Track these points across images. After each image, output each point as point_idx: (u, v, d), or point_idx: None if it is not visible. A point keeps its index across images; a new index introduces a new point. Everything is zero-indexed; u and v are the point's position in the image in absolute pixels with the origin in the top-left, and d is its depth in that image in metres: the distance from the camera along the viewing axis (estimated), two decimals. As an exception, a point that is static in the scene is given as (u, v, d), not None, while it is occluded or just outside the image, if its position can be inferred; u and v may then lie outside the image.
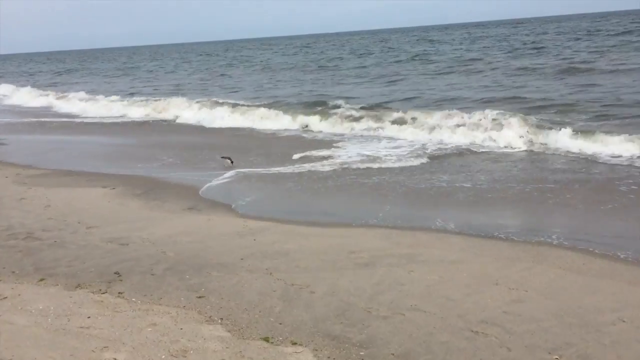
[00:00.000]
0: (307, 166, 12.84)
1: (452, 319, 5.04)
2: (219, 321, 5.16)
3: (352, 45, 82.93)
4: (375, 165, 12.57)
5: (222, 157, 13.67)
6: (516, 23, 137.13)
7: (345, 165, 12.69)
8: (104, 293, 5.87)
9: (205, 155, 14.88)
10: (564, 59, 32.49)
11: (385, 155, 13.66)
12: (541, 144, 13.73)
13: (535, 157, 12.82)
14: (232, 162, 13.29)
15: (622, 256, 6.69)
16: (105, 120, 24.53)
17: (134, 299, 5.70)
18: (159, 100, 27.51)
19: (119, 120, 24.71)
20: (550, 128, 14.55)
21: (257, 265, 6.61)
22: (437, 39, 79.15)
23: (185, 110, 23.95)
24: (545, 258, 6.61)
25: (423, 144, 14.88)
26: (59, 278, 6.36)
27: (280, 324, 5.08)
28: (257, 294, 5.74)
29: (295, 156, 13.94)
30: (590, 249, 6.96)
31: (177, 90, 34.55)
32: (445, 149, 14.18)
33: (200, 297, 5.71)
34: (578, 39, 50.07)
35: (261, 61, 60.50)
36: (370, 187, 10.74)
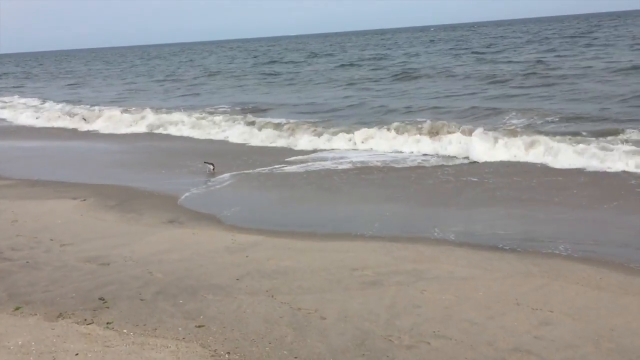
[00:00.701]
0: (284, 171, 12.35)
1: (482, 347, 4.62)
2: (226, 356, 4.63)
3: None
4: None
5: (205, 163, 13.10)
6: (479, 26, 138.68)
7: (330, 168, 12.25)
8: (90, 324, 5.28)
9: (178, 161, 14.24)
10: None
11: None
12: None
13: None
14: (213, 169, 12.75)
15: (635, 267, 6.42)
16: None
17: (125, 331, 5.13)
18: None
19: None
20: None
21: (256, 286, 6.10)
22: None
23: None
24: (559, 273, 6.27)
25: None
26: (36, 306, 5.74)
27: (296, 358, 4.59)
28: (263, 321, 5.23)
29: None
30: (598, 259, 6.69)
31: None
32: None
33: (199, 326, 5.18)
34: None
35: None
36: (359, 194, 10.33)
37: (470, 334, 4.86)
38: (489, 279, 6.10)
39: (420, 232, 8.10)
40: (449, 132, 14.62)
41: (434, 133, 14.94)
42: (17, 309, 5.68)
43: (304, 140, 16.09)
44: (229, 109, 23.83)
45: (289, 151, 15.32)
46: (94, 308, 5.64)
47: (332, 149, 15.18)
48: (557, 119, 16.14)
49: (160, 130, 20.43)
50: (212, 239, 7.97)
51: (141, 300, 5.82)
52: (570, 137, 13.12)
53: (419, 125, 15.61)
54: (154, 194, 11.05)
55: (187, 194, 10.98)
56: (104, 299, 5.85)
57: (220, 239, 7.99)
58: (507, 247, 7.24)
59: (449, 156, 13.31)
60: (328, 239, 7.88)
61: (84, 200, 10.54)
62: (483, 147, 12.92)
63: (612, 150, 11.46)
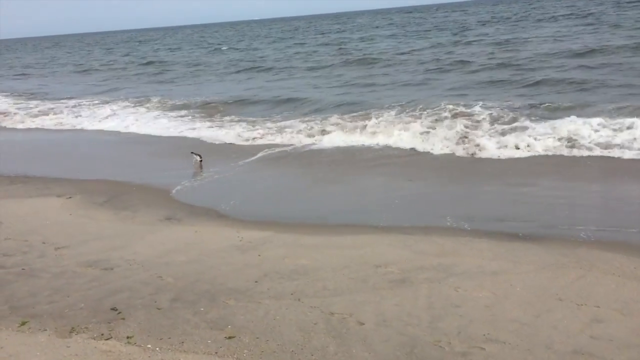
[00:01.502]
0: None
1: (540, 352, 4.35)
2: (269, 372, 4.28)
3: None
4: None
5: (192, 153, 12.59)
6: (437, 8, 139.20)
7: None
8: (108, 339, 4.86)
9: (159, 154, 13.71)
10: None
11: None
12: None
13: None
14: (201, 160, 12.27)
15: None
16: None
17: (149, 346, 4.72)
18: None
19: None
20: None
21: (278, 289, 5.74)
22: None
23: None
24: (591, 263, 6.03)
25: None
26: (44, 320, 5.28)
27: (345, 371, 4.26)
28: (297, 329, 4.88)
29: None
30: (623, 245, 6.52)
31: None
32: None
33: (230, 337, 4.80)
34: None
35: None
36: (356, 180, 10.01)
37: (523, 336, 4.58)
38: (521, 273, 5.84)
39: (432, 221, 7.82)
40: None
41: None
42: (23, 324, 5.21)
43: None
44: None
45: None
46: (108, 320, 5.21)
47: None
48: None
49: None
50: (217, 237, 7.56)
51: (158, 309, 5.40)
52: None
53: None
54: (143, 188, 10.55)
55: (178, 187, 10.52)
56: (116, 309, 5.42)
57: (226, 236, 7.58)
58: (528, 236, 7.00)
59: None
60: (339, 232, 7.54)
61: (70, 197, 9.99)
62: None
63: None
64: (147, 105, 22.00)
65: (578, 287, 5.43)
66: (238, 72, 32.54)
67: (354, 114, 15.93)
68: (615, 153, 10.30)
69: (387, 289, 5.60)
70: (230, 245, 7.19)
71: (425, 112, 14.84)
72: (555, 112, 13.88)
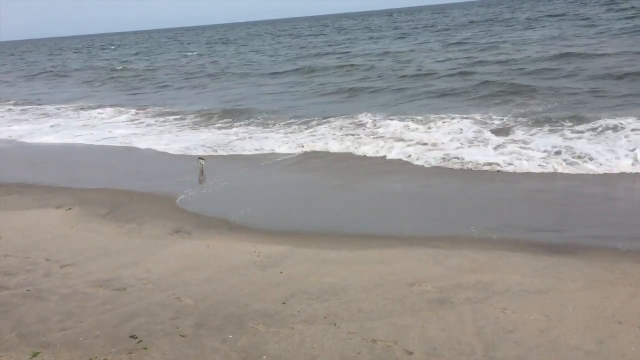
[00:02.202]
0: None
1: (615, 384, 3.97)
2: (317, 412, 3.85)
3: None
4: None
5: (200, 158, 12.19)
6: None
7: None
8: (132, 373, 4.41)
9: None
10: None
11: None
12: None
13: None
14: (203, 163, 11.88)
15: None
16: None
17: (178, 381, 4.28)
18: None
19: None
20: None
21: (309, 311, 5.32)
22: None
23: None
24: (637, 279, 5.68)
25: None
26: (58, 351, 4.83)
27: (404, 411, 3.84)
28: (340, 359, 4.46)
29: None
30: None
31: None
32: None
33: (267, 370, 4.37)
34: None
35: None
36: (366, 188, 9.61)
37: (591, 366, 4.20)
38: (568, 291, 5.46)
39: (457, 231, 7.47)
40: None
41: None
42: (35, 355, 4.76)
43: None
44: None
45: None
46: (128, 350, 4.77)
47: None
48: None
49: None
50: (232, 252, 7.12)
51: (182, 336, 4.97)
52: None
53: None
54: (145, 198, 10.10)
55: (182, 196, 10.07)
56: (136, 337, 4.98)
57: (241, 251, 7.15)
58: (564, 248, 6.64)
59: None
60: (363, 245, 7.13)
61: (70, 209, 9.50)
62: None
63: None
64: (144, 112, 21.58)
65: (635, 308, 5.06)
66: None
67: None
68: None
69: (427, 311, 5.20)
70: (248, 261, 6.76)
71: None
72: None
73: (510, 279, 5.80)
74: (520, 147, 11.24)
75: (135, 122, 19.58)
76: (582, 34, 31.93)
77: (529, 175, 9.88)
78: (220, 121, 18.21)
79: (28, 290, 6.14)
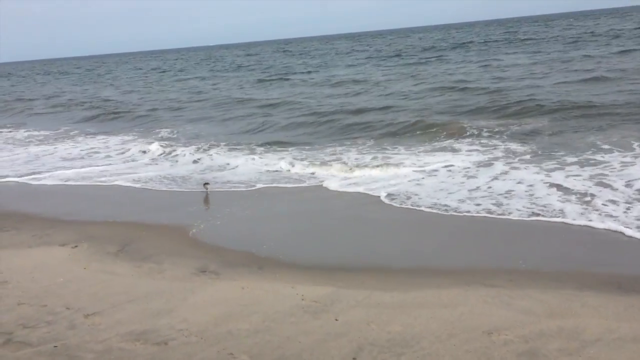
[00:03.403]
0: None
1: None
2: None
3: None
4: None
5: (205, 184, 11.70)
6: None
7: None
8: None
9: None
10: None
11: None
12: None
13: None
14: (209, 188, 11.40)
15: None
16: None
17: None
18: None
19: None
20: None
21: (387, 368, 4.75)
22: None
23: None
24: None
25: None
26: None
27: None
28: None
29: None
30: None
31: None
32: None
33: None
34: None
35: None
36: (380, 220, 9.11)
37: None
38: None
39: (508, 264, 7.05)
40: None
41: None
42: None
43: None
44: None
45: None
46: (195, 423, 4.13)
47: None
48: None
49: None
50: (272, 295, 6.53)
51: (251, 403, 4.35)
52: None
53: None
54: (155, 232, 9.48)
55: (194, 229, 9.46)
56: (198, 406, 4.34)
57: (281, 293, 6.56)
58: (636, 286, 6.22)
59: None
60: (413, 285, 6.62)
61: (76, 246, 8.80)
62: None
63: None
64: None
65: None
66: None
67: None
68: None
69: (521, 367, 4.68)
70: (294, 306, 6.17)
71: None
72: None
73: (595, 324, 5.32)
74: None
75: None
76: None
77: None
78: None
79: (55, 346, 5.45)
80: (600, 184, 9.96)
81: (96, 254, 8.44)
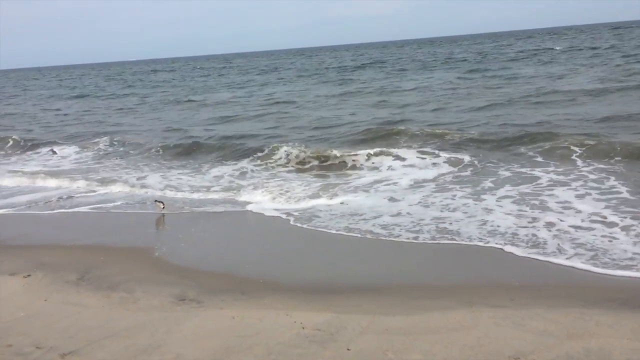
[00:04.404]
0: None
1: None
2: None
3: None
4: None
5: (156, 201, 11.00)
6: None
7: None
8: None
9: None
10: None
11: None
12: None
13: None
14: (163, 207, 10.73)
15: None
16: None
17: None
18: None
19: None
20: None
21: (422, 403, 4.39)
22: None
23: None
24: None
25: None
26: None
27: None
28: None
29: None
30: None
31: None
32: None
33: None
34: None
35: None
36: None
37: None
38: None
39: (496, 281, 6.89)
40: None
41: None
42: None
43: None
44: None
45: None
46: None
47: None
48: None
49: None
50: (268, 324, 6.03)
51: None
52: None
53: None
54: (115, 256, 8.83)
55: (156, 252, 8.83)
56: None
57: (278, 322, 6.08)
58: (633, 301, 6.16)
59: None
60: (414, 307, 6.29)
61: (29, 275, 8.00)
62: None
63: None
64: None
65: None
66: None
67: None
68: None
69: (562, 393, 4.43)
70: (296, 335, 5.72)
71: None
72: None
73: (619, 345, 5.14)
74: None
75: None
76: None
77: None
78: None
79: (35, 395, 4.76)
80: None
81: (54, 283, 7.68)
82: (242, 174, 14.65)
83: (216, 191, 12.68)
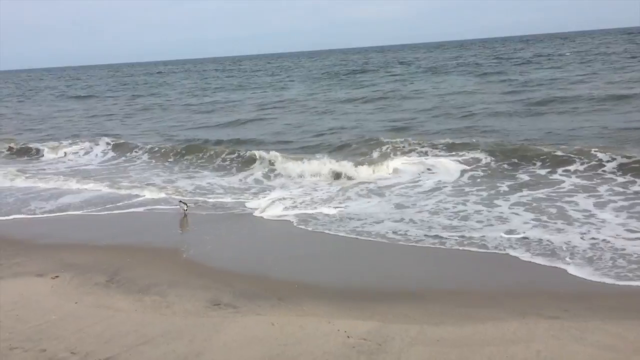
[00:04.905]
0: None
1: None
2: None
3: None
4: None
5: (180, 202, 10.79)
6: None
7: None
8: None
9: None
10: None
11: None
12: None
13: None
14: (187, 208, 10.55)
15: None
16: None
17: None
18: None
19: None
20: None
21: (491, 422, 4.09)
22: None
23: None
24: None
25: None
26: None
27: None
28: None
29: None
30: None
31: None
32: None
33: None
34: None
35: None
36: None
37: None
38: None
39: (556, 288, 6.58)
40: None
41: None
42: None
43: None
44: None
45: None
46: None
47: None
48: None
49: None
50: (311, 333, 5.75)
51: None
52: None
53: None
54: (144, 257, 8.62)
55: (184, 254, 8.61)
56: None
57: (321, 330, 5.80)
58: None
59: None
60: (466, 318, 5.97)
61: (57, 277, 7.78)
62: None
63: None
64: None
65: None
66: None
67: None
68: None
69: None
70: (342, 345, 5.44)
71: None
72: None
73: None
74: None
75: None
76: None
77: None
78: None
79: (74, 404, 4.51)
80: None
81: (83, 285, 7.45)
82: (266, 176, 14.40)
83: (245, 192, 12.46)
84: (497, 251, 8.03)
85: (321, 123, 22.65)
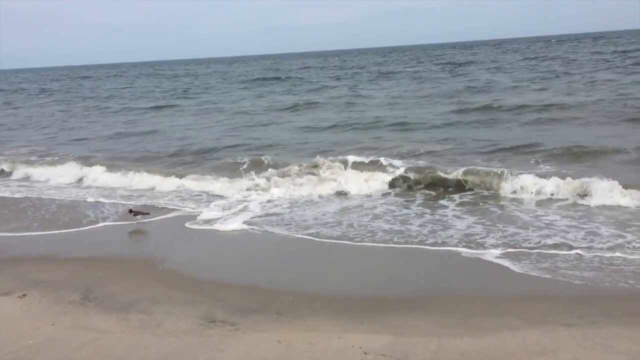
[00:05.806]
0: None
1: None
2: None
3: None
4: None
5: (130, 211, 10.28)
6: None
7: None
8: None
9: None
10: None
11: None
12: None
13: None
14: (141, 216, 10.19)
15: None
16: None
17: None
18: None
19: None
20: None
21: None
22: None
23: None
24: None
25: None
26: None
27: None
28: None
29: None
30: None
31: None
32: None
33: None
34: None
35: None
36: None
37: None
38: None
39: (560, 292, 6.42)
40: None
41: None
42: None
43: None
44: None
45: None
46: None
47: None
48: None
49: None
50: (323, 349, 5.39)
51: None
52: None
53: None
54: (117, 270, 7.99)
55: (161, 266, 8.08)
56: None
57: (334, 347, 5.44)
58: None
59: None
60: (482, 328, 5.71)
61: (24, 295, 7.10)
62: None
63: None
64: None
65: None
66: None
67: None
68: None
69: None
70: (362, 362, 5.08)
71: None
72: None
73: None
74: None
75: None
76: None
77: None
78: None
79: None
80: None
81: (56, 304, 6.83)
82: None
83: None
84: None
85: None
